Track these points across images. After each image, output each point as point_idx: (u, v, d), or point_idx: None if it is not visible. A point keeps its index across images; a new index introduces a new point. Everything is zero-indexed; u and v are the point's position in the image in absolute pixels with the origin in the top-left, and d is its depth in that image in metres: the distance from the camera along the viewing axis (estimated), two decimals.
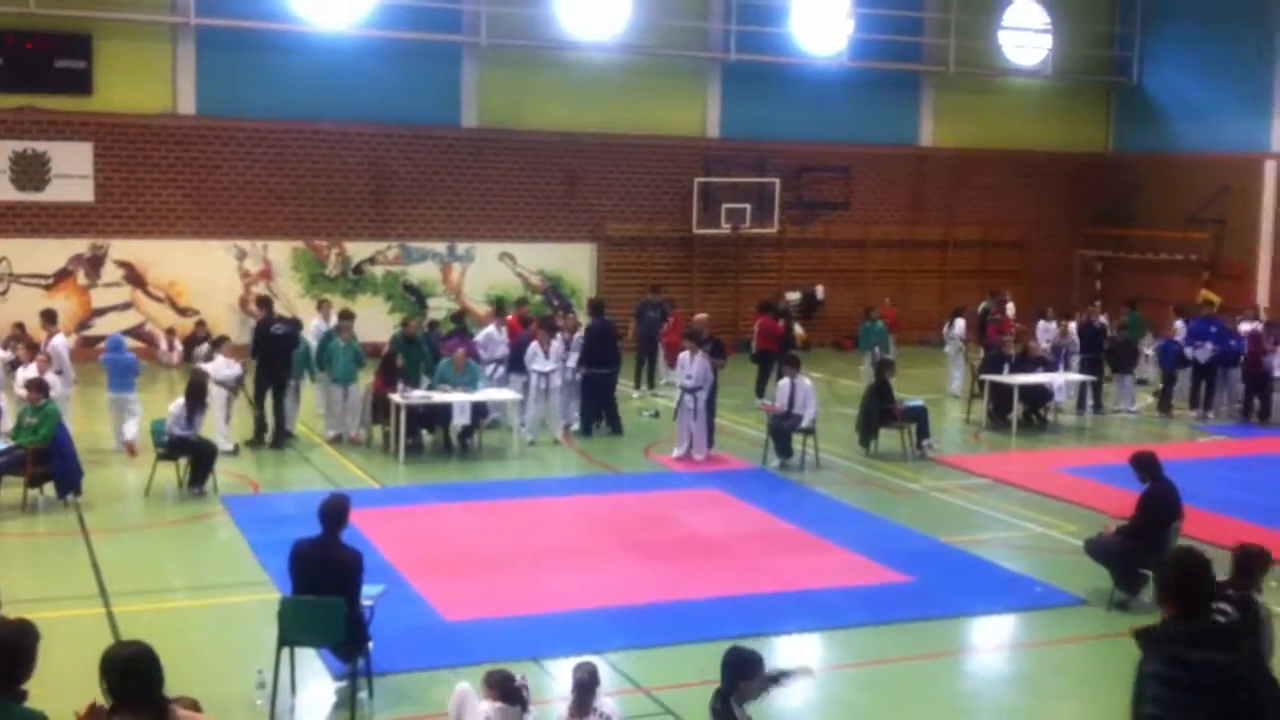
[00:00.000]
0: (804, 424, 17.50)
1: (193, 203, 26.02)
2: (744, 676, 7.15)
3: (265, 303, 19.75)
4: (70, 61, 24.98)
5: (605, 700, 7.66)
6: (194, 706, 5.50)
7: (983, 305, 25.46)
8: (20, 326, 20.38)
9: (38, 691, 5.32)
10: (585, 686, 7.52)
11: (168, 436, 15.18)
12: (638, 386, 22.94)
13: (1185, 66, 32.02)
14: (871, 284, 30.42)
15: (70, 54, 24.95)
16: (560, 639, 10.49)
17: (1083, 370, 22.26)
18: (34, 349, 16.81)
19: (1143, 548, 11.54)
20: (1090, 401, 21.81)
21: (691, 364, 17.72)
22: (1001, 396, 20.60)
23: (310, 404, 19.31)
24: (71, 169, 25.08)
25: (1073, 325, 23.62)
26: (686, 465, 17.48)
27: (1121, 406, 22.41)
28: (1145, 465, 11.76)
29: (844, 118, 30.71)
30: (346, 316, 19.17)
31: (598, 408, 19.51)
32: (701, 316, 21.37)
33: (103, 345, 19.27)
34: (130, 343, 19.29)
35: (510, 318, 21.14)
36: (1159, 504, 11.61)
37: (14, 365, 16.71)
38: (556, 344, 19.07)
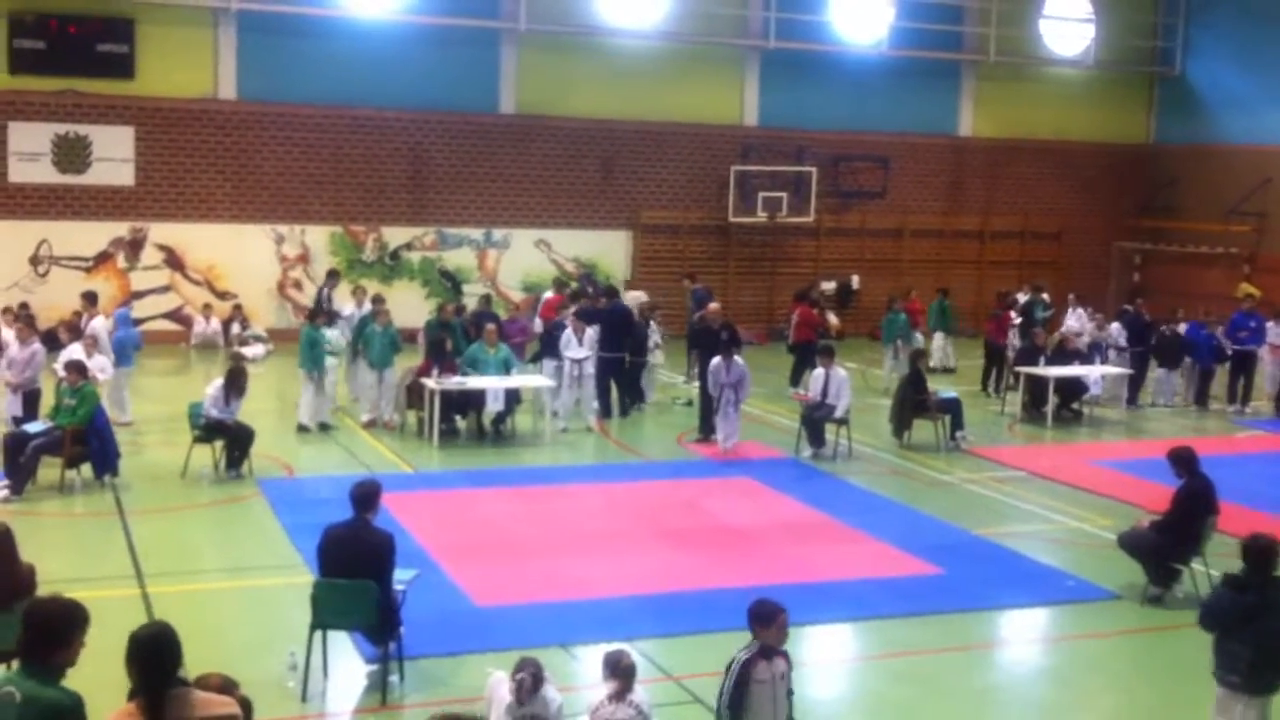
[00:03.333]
0: (837, 414, 17.44)
1: (232, 187, 26.16)
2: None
3: (329, 274, 22.18)
4: (112, 45, 25.10)
5: (638, 688, 7.68)
6: (222, 688, 5.51)
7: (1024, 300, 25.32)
8: (78, 314, 20.50)
9: (70, 671, 5.37)
10: (629, 674, 7.53)
11: (204, 419, 15.30)
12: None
13: (1228, 57, 31.65)
14: (908, 274, 30.24)
15: (112, 38, 25.07)
16: (590, 626, 10.52)
17: (1133, 364, 22.11)
18: (74, 330, 16.96)
19: (1176, 543, 11.50)
20: (1125, 395, 21.68)
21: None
22: (1037, 389, 20.49)
23: (339, 389, 19.37)
24: (113, 152, 25.23)
25: (1115, 325, 23.40)
26: (718, 454, 17.47)
27: (1160, 400, 22.24)
28: (1183, 461, 11.67)
29: (882, 107, 30.51)
30: (379, 301, 19.24)
31: (611, 389, 19.71)
32: (714, 306, 21.36)
33: (143, 328, 19.38)
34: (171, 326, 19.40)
35: (550, 296, 21.22)
36: (1194, 500, 11.53)
37: (52, 346, 16.85)
38: (590, 331, 19.13)
